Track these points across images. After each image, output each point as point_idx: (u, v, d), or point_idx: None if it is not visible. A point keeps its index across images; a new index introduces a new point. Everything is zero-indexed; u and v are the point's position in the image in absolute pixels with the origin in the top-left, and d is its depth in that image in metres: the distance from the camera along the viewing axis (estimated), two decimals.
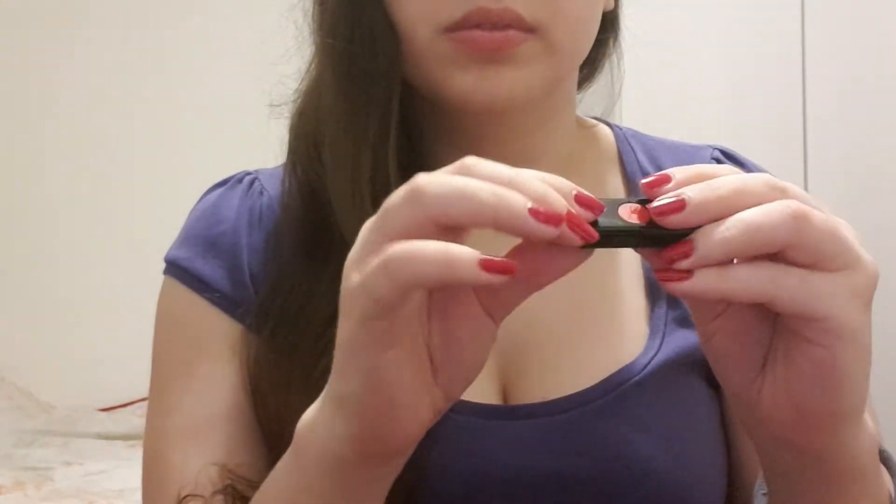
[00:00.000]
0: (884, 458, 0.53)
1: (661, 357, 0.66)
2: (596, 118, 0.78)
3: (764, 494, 0.55)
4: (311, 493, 0.48)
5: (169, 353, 0.69)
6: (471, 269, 0.39)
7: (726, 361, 0.45)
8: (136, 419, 2.96)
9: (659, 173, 0.43)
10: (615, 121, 0.79)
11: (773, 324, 0.44)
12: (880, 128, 2.07)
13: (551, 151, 0.71)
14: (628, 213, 0.42)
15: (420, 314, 0.44)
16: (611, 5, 0.71)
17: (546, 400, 0.64)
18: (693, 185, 0.41)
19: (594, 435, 0.63)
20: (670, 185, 0.42)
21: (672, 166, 0.73)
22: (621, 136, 0.76)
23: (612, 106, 0.83)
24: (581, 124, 0.76)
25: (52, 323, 3.20)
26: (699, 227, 0.41)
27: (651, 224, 0.41)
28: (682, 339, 0.67)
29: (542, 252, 0.42)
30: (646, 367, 0.65)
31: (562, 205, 0.40)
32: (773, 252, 0.40)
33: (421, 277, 0.39)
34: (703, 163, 0.60)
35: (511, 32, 0.61)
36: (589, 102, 0.79)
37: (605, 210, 0.41)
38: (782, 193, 0.41)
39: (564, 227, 0.40)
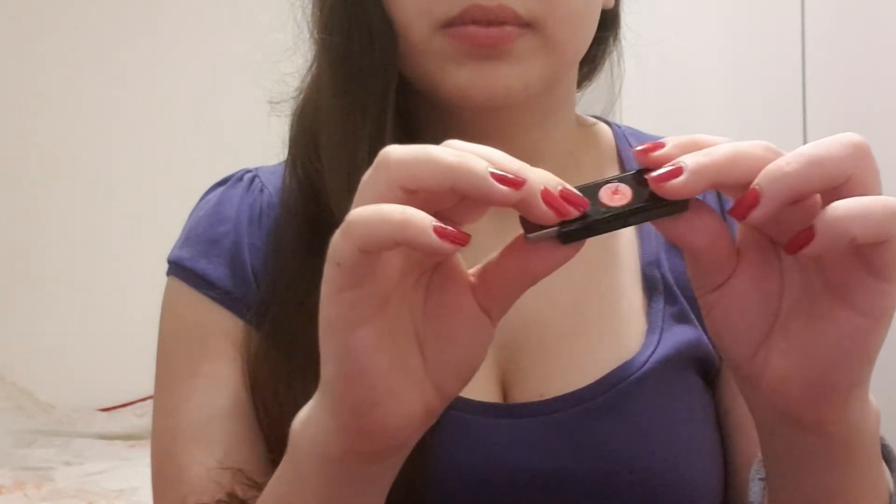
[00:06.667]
0: (885, 453, 0.53)
1: (659, 353, 0.66)
2: (595, 117, 0.78)
3: (761, 479, 0.54)
4: (305, 491, 0.47)
5: (175, 353, 0.69)
6: (425, 232, 0.39)
7: (727, 333, 0.45)
8: (136, 419, 2.97)
9: (653, 141, 0.42)
10: (615, 120, 0.79)
11: (782, 294, 0.43)
12: (880, 127, 2.07)
13: (551, 150, 0.71)
14: (609, 196, 0.42)
15: (404, 298, 0.43)
16: (611, 3, 0.70)
17: (545, 398, 0.64)
18: (688, 154, 0.41)
19: (594, 433, 0.63)
20: (663, 151, 0.42)
21: None
22: (620, 134, 0.76)
23: (612, 105, 0.83)
24: (580, 123, 0.76)
25: (52, 323, 3.21)
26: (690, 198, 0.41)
27: (637, 201, 0.41)
28: (680, 335, 0.67)
29: (532, 246, 0.42)
30: (645, 363, 0.65)
31: (526, 174, 0.40)
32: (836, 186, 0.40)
33: (376, 237, 0.39)
34: None
35: (507, 28, 0.61)
36: (589, 101, 0.79)
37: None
38: (776, 156, 0.41)
39: (538, 199, 0.40)
